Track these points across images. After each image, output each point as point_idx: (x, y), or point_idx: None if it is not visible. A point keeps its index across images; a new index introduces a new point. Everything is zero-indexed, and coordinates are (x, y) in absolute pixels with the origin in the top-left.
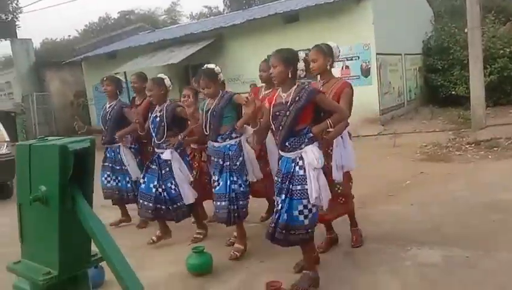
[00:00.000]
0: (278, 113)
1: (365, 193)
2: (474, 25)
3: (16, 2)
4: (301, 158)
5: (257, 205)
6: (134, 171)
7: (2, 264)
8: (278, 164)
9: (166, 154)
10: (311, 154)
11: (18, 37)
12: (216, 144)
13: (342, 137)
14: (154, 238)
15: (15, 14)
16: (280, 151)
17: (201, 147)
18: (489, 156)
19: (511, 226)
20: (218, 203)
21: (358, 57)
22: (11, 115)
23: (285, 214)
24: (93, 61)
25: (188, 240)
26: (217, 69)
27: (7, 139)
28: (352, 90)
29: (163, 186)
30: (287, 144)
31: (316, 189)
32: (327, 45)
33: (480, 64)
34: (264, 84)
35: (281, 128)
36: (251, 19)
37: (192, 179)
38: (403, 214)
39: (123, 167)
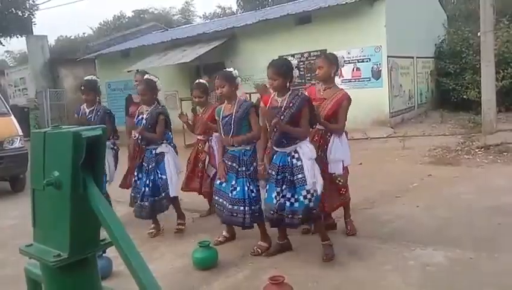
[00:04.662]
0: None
1: (373, 194)
2: (487, 29)
3: None
4: (296, 151)
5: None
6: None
7: (17, 255)
8: (271, 159)
9: (162, 148)
10: (306, 147)
11: (33, 34)
12: (231, 148)
13: (339, 137)
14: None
15: (31, 11)
16: (275, 147)
17: (206, 138)
18: (498, 161)
19: None
20: (236, 207)
21: (370, 59)
22: (25, 110)
23: (290, 201)
24: (107, 58)
25: (196, 235)
26: (235, 72)
27: (20, 133)
28: (350, 102)
29: (147, 181)
30: (283, 140)
31: (312, 176)
32: (333, 54)
33: (492, 69)
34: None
35: (275, 129)
36: (263, 20)
37: (181, 171)
38: (409, 215)
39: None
